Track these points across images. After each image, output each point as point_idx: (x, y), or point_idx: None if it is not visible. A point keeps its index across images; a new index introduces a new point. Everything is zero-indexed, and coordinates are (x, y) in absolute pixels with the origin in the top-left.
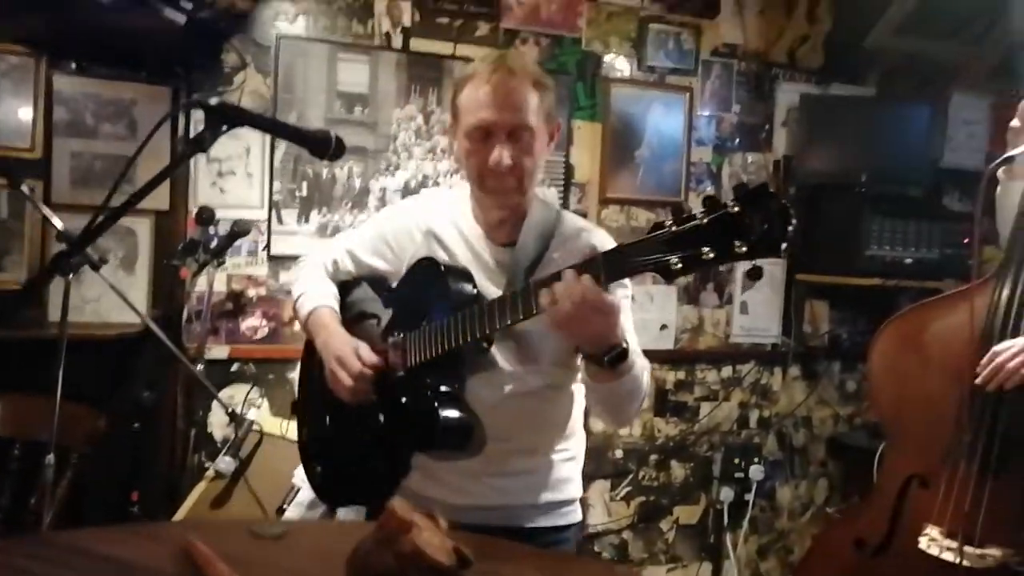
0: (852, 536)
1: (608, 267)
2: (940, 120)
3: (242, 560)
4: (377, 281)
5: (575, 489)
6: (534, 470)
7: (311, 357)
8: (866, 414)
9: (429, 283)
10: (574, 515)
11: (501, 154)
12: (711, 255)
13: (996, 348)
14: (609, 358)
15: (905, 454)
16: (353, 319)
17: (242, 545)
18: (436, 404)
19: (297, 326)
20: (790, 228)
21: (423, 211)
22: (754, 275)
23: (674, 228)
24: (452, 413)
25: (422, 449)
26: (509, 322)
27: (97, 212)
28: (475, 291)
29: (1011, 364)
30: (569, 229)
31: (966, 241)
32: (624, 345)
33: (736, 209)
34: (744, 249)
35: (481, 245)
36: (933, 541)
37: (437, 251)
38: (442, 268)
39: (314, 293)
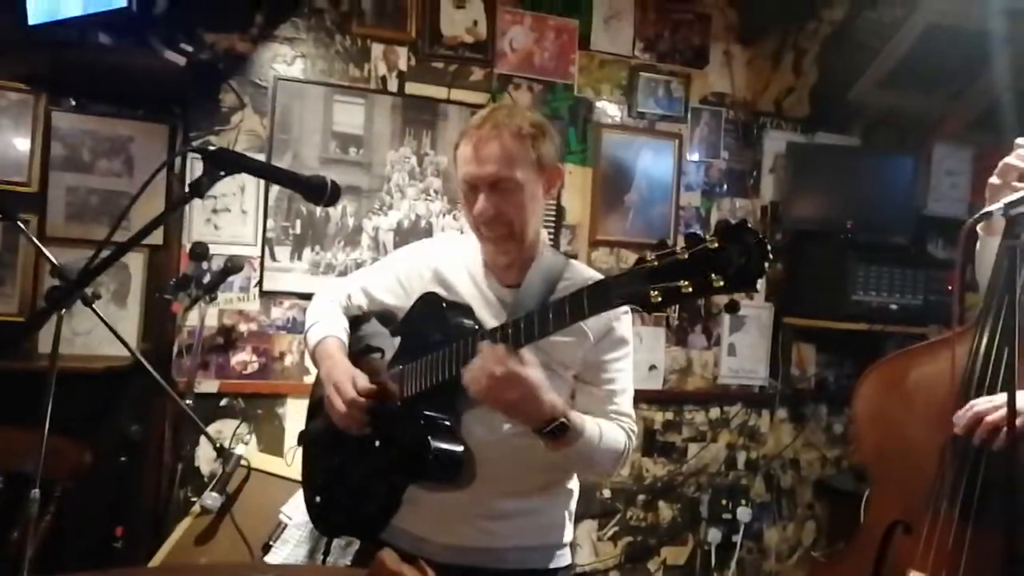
0: None
1: (591, 298)
2: (923, 170)
3: None
4: (386, 316)
5: (566, 534)
6: (525, 512)
7: (319, 388)
8: (852, 457)
9: (431, 318)
10: (564, 559)
11: (483, 205)
12: (689, 288)
13: (975, 401)
14: (542, 432)
15: (889, 499)
16: (360, 352)
17: None
18: (428, 434)
19: (288, 361)
20: (766, 263)
21: (434, 252)
22: (731, 308)
23: (656, 263)
24: (443, 443)
25: (414, 479)
26: (522, 342)
27: (98, 250)
28: (475, 325)
29: (989, 418)
30: (576, 276)
31: (950, 288)
32: (562, 420)
33: (716, 244)
34: (721, 283)
35: (486, 284)
36: None
37: (441, 289)
38: (443, 304)
39: (324, 324)
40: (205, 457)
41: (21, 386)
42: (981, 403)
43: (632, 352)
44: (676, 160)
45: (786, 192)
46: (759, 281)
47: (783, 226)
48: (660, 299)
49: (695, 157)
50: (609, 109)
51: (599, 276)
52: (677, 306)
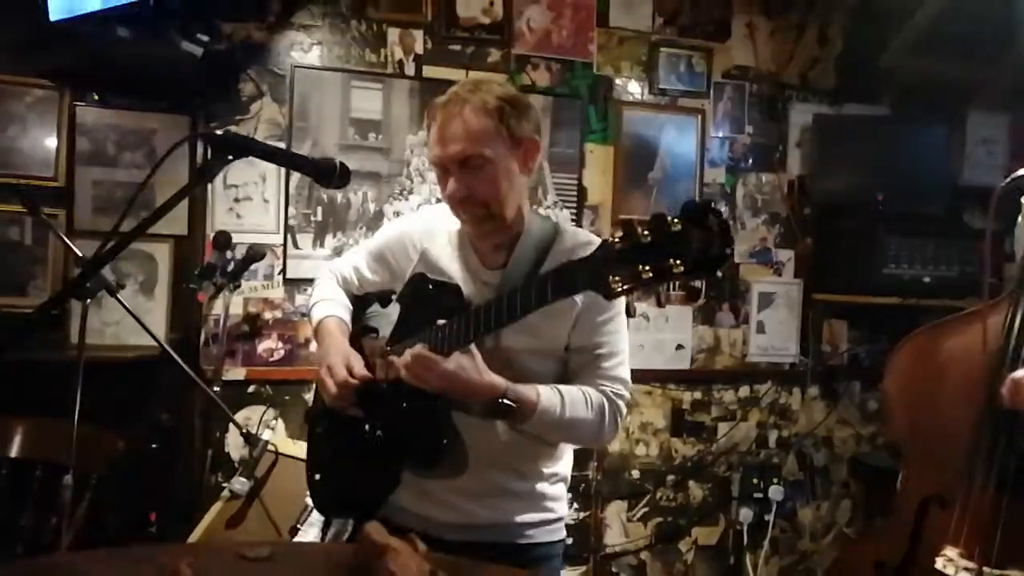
0: (871, 558)
1: (555, 285)
2: (957, 138)
3: None
4: (384, 297)
5: (562, 507)
6: (523, 491)
7: None
8: (884, 433)
9: (420, 300)
10: (560, 532)
11: (454, 186)
12: (649, 274)
13: (1016, 375)
14: (489, 413)
15: (922, 474)
16: (359, 332)
17: (229, 568)
18: (409, 422)
19: (313, 346)
20: (729, 248)
21: (421, 231)
22: (692, 296)
23: (617, 245)
24: (422, 433)
25: (402, 466)
26: (483, 330)
27: (108, 236)
28: (462, 307)
29: None
30: (564, 246)
31: (987, 258)
32: (504, 401)
33: (678, 227)
34: (681, 268)
35: (474, 267)
36: (950, 562)
37: (430, 270)
38: (431, 285)
39: (325, 304)
40: (234, 443)
41: (53, 377)
42: (1021, 374)
43: (623, 313)
44: (699, 136)
45: (814, 166)
46: (721, 267)
47: (811, 200)
48: (621, 286)
49: (719, 133)
50: (630, 86)
51: (591, 240)
52: (637, 292)
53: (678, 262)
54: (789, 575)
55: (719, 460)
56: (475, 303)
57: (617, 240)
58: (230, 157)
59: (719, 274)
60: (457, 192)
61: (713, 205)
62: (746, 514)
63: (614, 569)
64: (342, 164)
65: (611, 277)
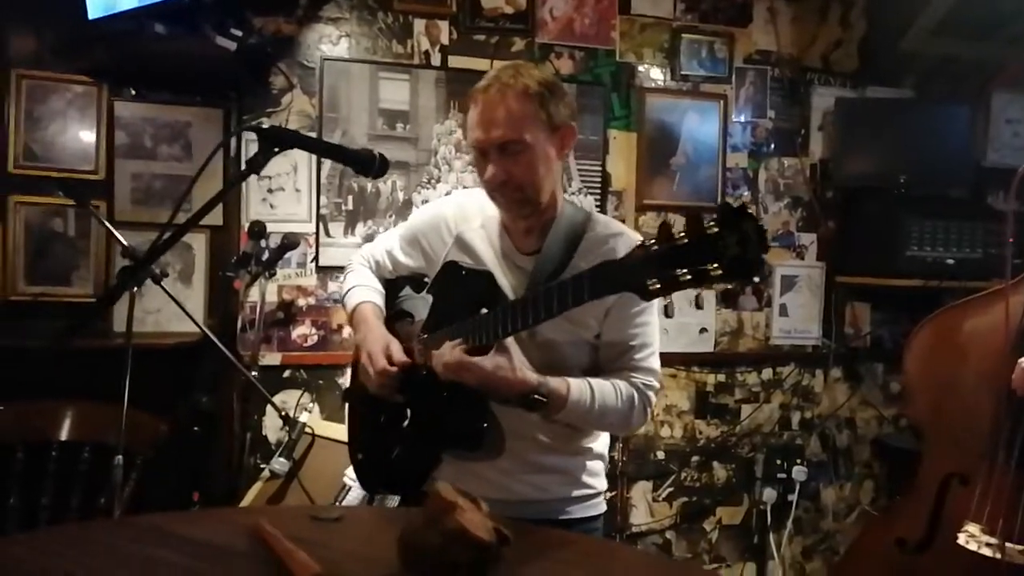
0: (893, 535)
1: (592, 284)
2: (981, 119)
3: (305, 540)
4: (417, 281)
5: (601, 483)
6: (566, 467)
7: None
8: (904, 412)
9: (454, 286)
10: (601, 506)
11: (493, 171)
12: (687, 277)
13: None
14: (521, 406)
15: (943, 453)
16: (394, 317)
17: (304, 527)
18: (449, 409)
19: (347, 332)
20: (764, 253)
21: (455, 216)
22: (728, 301)
23: (654, 247)
24: (465, 418)
25: (443, 449)
26: (519, 327)
27: (163, 231)
28: (495, 295)
29: None
30: (597, 235)
31: (1011, 240)
32: (536, 397)
33: (715, 230)
34: (719, 272)
35: (507, 250)
36: (972, 537)
37: (464, 257)
38: (463, 272)
39: (359, 290)
40: (272, 426)
41: (99, 364)
42: None
43: (655, 305)
44: (722, 121)
45: (836, 149)
46: (757, 272)
47: (834, 184)
48: (658, 286)
49: (741, 117)
50: (652, 73)
51: (621, 230)
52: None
53: (715, 265)
54: (812, 554)
55: (743, 441)
56: (508, 292)
57: (653, 242)
58: (276, 150)
59: (756, 279)
60: (496, 176)
61: (748, 209)
62: (769, 494)
63: (640, 548)
64: (381, 155)
65: (649, 279)
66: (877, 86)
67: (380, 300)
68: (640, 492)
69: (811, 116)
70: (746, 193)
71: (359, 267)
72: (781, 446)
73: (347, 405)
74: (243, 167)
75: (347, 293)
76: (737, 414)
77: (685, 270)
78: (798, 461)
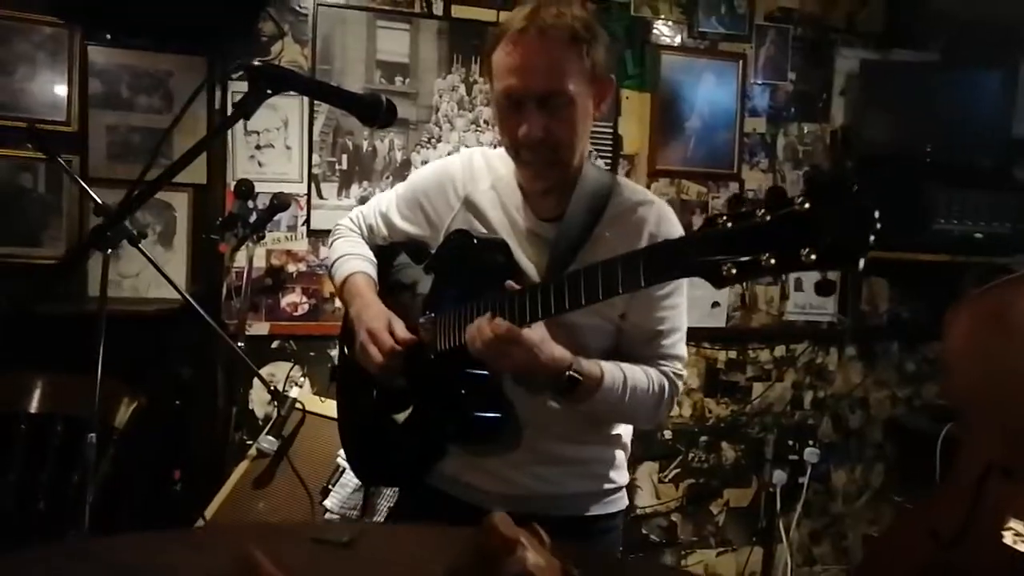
0: (926, 527)
1: (648, 268)
2: (1011, 87)
3: (308, 572)
4: (416, 248)
5: (623, 476)
6: (582, 458)
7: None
8: (942, 395)
9: (464, 257)
10: (622, 502)
11: (531, 126)
12: (772, 262)
13: None
14: (554, 389)
15: (984, 440)
16: (390, 289)
17: (305, 554)
18: (464, 397)
19: (339, 302)
20: (872, 236)
21: (463, 176)
22: (824, 290)
23: (729, 225)
24: (480, 407)
25: (451, 441)
26: (553, 310)
27: (134, 185)
28: (510, 267)
29: None
30: (625, 202)
31: None
32: (571, 374)
33: (806, 206)
34: (813, 257)
35: (523, 217)
36: (1019, 537)
37: (474, 223)
38: (475, 241)
39: (350, 259)
40: (259, 400)
41: (71, 331)
42: None
43: (684, 286)
44: (739, 83)
45: (859, 115)
46: (862, 257)
47: (855, 152)
48: (735, 272)
49: (760, 80)
50: (668, 30)
51: (651, 198)
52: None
53: (807, 250)
54: (821, 538)
55: (753, 421)
56: (526, 264)
57: (728, 219)
58: (269, 91)
59: (860, 266)
60: (534, 133)
61: (850, 181)
62: (779, 476)
63: (644, 531)
64: (389, 101)
65: (724, 264)
66: (903, 49)
67: (373, 271)
68: (645, 473)
69: (833, 79)
70: (764, 161)
71: (348, 232)
72: (793, 426)
73: (338, 387)
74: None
75: (336, 262)
76: (748, 392)
77: (768, 253)
78: (810, 442)
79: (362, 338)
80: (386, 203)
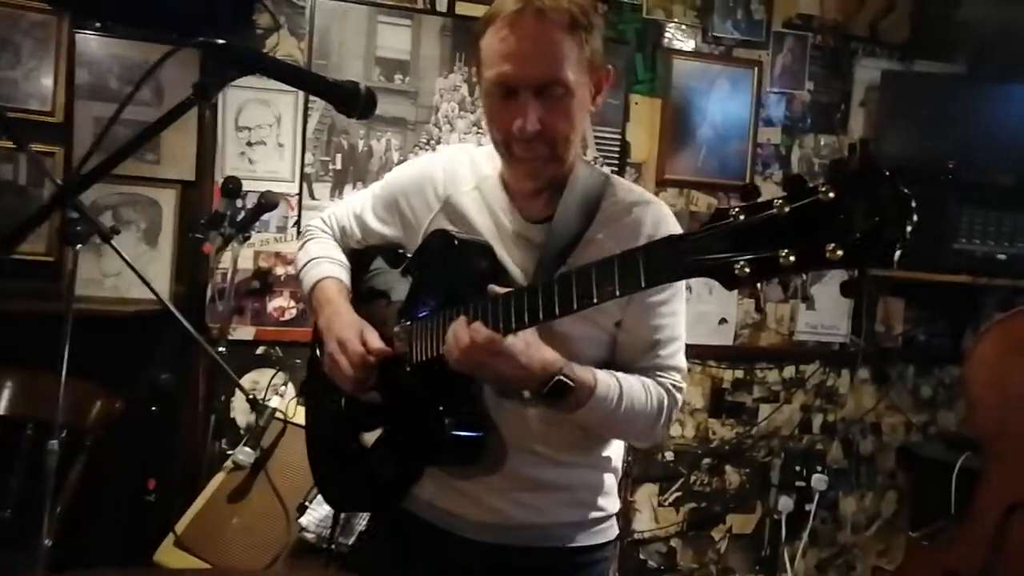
0: (942, 568)
1: (649, 267)
2: None
3: None
4: (392, 252)
5: (613, 503)
6: (568, 483)
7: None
8: (965, 427)
9: (444, 261)
10: (612, 531)
11: (526, 118)
12: (792, 259)
13: None
14: (540, 395)
15: (1009, 476)
16: (363, 296)
17: None
18: (442, 417)
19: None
20: (909, 228)
21: (444, 176)
22: (849, 290)
23: (743, 217)
24: (459, 426)
25: (427, 463)
26: (541, 317)
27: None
28: (494, 271)
29: None
30: (619, 203)
31: None
32: (559, 379)
33: (831, 195)
34: (840, 254)
35: (510, 220)
36: None
37: (455, 223)
38: (457, 242)
39: (320, 262)
40: (241, 408)
41: (47, 329)
42: None
43: (684, 291)
44: (755, 91)
45: (879, 128)
46: (895, 256)
47: None
48: (748, 271)
49: (776, 89)
50: (681, 33)
51: (648, 198)
52: (767, 282)
53: (833, 245)
54: (828, 568)
55: (759, 444)
56: (512, 269)
57: (742, 211)
58: (234, 73)
59: (894, 264)
60: (531, 125)
61: (881, 168)
62: (785, 503)
63: (642, 556)
64: (368, 89)
65: (736, 261)
66: (927, 60)
67: (346, 276)
68: (645, 495)
69: (853, 90)
70: (778, 173)
71: (320, 234)
72: (800, 451)
73: (307, 404)
74: (219, 114)
75: (305, 266)
76: (754, 414)
77: (787, 249)
78: (818, 468)
79: (331, 349)
80: (360, 203)
